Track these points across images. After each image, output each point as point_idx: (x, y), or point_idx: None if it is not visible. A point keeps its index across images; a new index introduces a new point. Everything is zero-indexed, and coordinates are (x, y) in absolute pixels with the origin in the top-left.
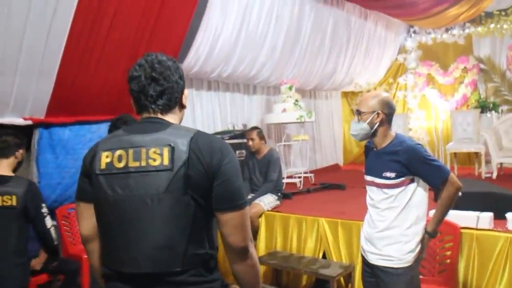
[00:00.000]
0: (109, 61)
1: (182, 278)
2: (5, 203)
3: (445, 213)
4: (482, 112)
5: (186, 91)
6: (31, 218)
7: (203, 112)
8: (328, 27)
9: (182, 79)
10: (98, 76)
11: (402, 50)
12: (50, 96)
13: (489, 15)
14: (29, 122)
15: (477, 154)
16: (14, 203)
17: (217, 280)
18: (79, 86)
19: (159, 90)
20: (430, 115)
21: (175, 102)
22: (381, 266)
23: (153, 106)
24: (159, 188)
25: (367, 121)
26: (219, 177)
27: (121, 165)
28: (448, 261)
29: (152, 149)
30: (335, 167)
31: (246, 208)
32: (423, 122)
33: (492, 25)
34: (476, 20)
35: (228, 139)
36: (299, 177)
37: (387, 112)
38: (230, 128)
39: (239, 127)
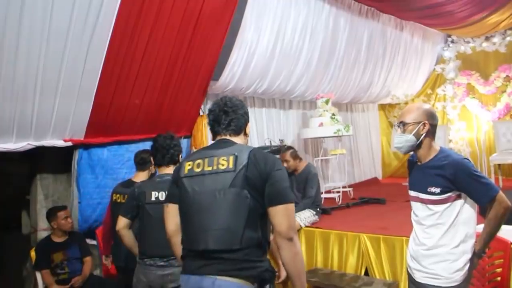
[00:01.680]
0: (145, 81)
1: (239, 256)
2: (123, 200)
3: (492, 234)
4: None
5: (249, 124)
6: None
7: None
8: (364, 39)
9: (246, 114)
10: (135, 96)
11: (440, 60)
12: (89, 117)
13: None
14: (69, 144)
15: None
16: (124, 200)
17: (265, 261)
18: (117, 107)
19: (229, 120)
20: (471, 126)
21: (240, 130)
22: (428, 285)
23: (224, 131)
24: (225, 184)
25: (413, 132)
26: (270, 180)
27: (199, 170)
28: (499, 278)
29: (222, 157)
30: (374, 181)
31: (292, 205)
32: (464, 133)
33: None
34: None
35: None
36: (338, 192)
37: (432, 123)
38: (267, 143)
39: (276, 142)
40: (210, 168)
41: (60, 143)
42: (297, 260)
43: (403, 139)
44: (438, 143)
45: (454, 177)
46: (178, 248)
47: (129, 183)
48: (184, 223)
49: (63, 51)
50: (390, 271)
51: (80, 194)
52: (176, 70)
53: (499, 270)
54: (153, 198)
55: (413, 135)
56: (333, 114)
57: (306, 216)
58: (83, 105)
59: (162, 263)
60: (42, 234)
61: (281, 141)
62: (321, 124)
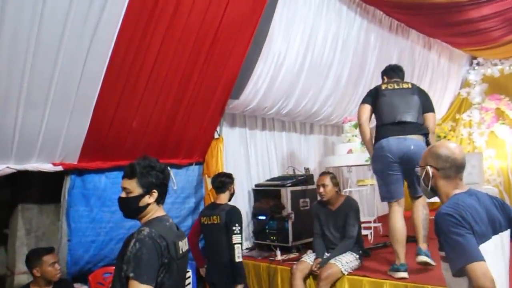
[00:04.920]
0: (154, 97)
1: (416, 125)
2: (214, 221)
3: None
4: None
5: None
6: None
7: (258, 154)
8: (393, 58)
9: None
10: (141, 113)
11: (465, 83)
12: (85, 136)
13: None
14: (60, 168)
15: None
16: (218, 221)
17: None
18: (119, 125)
19: (402, 73)
20: (503, 153)
21: (404, 77)
22: None
23: (396, 75)
24: (407, 94)
25: (422, 177)
26: (426, 100)
27: (391, 88)
28: None
29: (404, 83)
30: None
31: (433, 114)
32: (494, 161)
33: None
34: None
35: (291, 186)
36: (369, 228)
37: (439, 166)
38: (290, 172)
39: (299, 171)
40: (398, 87)
41: (48, 167)
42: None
43: (420, 184)
44: (472, 172)
45: (436, 234)
46: (368, 131)
47: (214, 206)
48: (383, 110)
49: (57, 50)
50: None
51: (70, 229)
52: (190, 84)
53: None
54: (180, 252)
55: (423, 180)
56: None
57: (349, 261)
58: (79, 120)
59: None
60: (20, 279)
61: (307, 169)
62: (349, 151)
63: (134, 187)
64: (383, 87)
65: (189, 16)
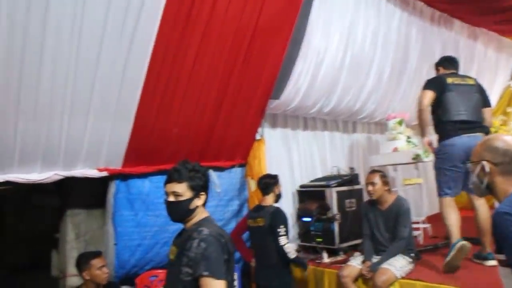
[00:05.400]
0: (194, 100)
1: (480, 124)
2: (258, 224)
3: None
4: None
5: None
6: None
7: (301, 155)
8: (436, 52)
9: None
10: (182, 116)
11: None
12: (127, 142)
13: None
14: (105, 174)
15: None
16: (263, 223)
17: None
18: (161, 130)
19: (457, 64)
20: None
21: (459, 68)
22: None
23: (453, 67)
24: (471, 91)
25: (476, 173)
26: (484, 93)
27: (456, 82)
28: None
29: (468, 78)
30: None
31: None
32: None
33: None
34: None
35: (336, 186)
36: (417, 229)
37: (496, 160)
38: (335, 172)
39: (343, 170)
40: (463, 82)
41: (93, 173)
42: None
43: (472, 181)
44: None
45: (495, 236)
46: (428, 118)
47: (259, 208)
48: (450, 106)
49: (96, 61)
50: None
51: (116, 233)
52: (230, 87)
53: None
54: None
55: (476, 177)
56: (409, 137)
57: (402, 265)
58: (121, 127)
59: None
60: (72, 281)
61: (351, 169)
62: (395, 149)
63: (185, 191)
64: (449, 80)
65: (225, 17)
